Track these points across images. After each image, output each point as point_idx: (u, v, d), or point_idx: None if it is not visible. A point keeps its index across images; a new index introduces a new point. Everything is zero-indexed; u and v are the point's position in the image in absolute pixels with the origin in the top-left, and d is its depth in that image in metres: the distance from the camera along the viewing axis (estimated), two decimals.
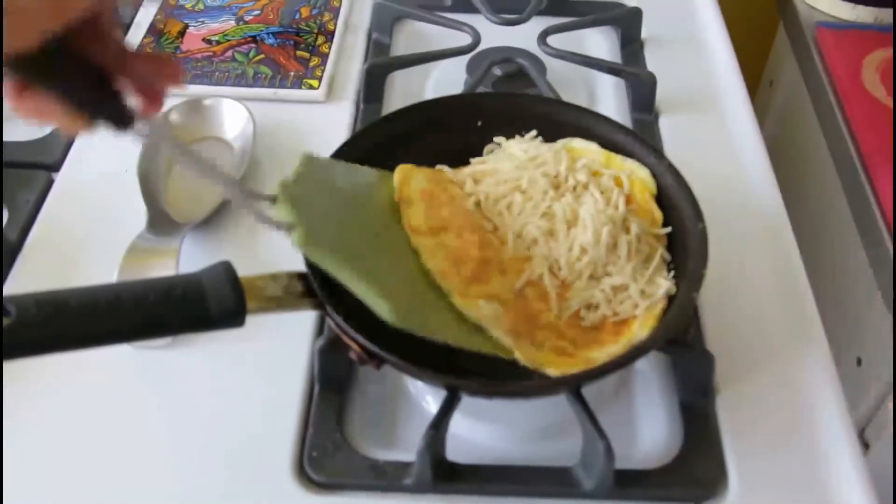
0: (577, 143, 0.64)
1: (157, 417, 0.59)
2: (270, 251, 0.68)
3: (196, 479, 0.55)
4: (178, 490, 0.55)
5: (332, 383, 0.59)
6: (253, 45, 0.87)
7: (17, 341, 0.42)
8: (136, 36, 0.88)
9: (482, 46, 0.84)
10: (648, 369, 0.62)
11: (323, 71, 0.84)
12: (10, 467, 0.55)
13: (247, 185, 0.65)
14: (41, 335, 0.43)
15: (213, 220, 0.70)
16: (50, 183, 0.74)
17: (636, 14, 0.90)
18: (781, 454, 0.57)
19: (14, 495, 0.54)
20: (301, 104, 0.82)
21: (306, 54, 0.86)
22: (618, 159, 0.63)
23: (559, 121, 0.66)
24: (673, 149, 0.78)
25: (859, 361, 0.88)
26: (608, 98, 0.85)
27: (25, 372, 0.58)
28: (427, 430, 0.52)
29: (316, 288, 0.51)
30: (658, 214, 0.61)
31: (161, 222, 0.68)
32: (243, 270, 0.49)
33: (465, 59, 0.84)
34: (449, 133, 0.65)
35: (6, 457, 0.56)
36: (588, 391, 0.54)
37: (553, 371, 0.52)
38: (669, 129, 0.80)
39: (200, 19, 0.90)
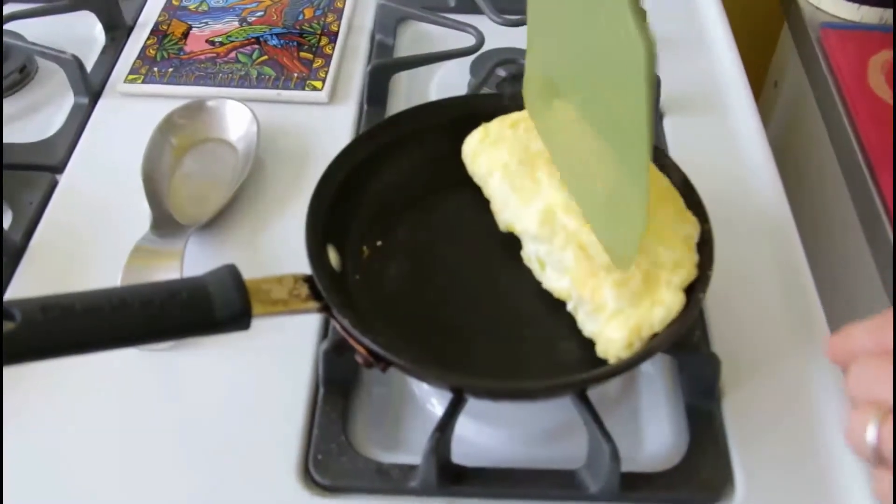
0: None
1: (161, 419, 0.59)
2: (275, 254, 0.68)
3: (200, 482, 0.55)
4: (181, 492, 0.55)
5: (336, 386, 0.59)
6: (256, 46, 0.87)
7: (22, 346, 0.42)
8: (139, 37, 0.88)
9: (486, 47, 0.84)
10: (654, 371, 0.62)
11: (326, 72, 0.84)
12: (14, 469, 0.55)
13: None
14: (47, 339, 0.43)
15: (217, 222, 0.70)
16: (54, 185, 0.74)
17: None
18: (788, 456, 0.57)
19: (17, 497, 0.54)
20: (304, 105, 0.82)
21: (310, 55, 0.86)
22: None
23: None
24: (677, 149, 0.78)
25: None
26: None
27: (29, 374, 0.57)
28: (432, 433, 0.52)
29: (321, 290, 0.51)
30: None
31: (165, 224, 0.67)
32: (248, 273, 0.49)
33: (469, 60, 0.84)
34: (453, 135, 0.65)
35: (11, 459, 0.56)
36: (593, 393, 0.54)
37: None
38: (674, 130, 0.80)
39: (204, 20, 0.90)
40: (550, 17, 0.58)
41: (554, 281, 0.58)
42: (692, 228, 0.57)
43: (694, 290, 0.54)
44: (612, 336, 0.53)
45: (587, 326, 0.55)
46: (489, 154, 0.63)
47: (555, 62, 0.59)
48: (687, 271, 0.55)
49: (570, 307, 0.57)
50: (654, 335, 0.53)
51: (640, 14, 0.45)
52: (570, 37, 0.55)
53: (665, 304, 0.53)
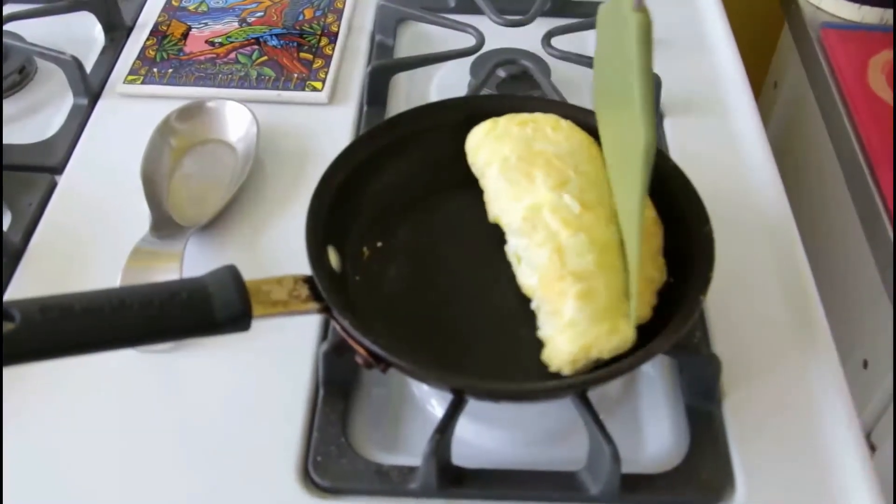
0: None
1: (160, 421, 0.58)
2: (275, 255, 0.68)
3: (200, 484, 0.55)
4: (181, 494, 0.55)
5: (336, 387, 0.59)
6: (256, 46, 0.87)
7: (21, 346, 0.42)
8: (139, 38, 0.88)
9: (486, 48, 0.83)
10: (654, 373, 0.62)
11: (326, 73, 0.84)
12: (14, 469, 0.55)
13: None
14: (46, 340, 0.43)
15: (216, 223, 0.70)
16: (53, 186, 0.74)
17: None
18: (788, 457, 0.57)
19: (17, 497, 0.54)
20: (304, 106, 0.81)
21: (310, 56, 0.86)
22: None
23: None
24: (678, 150, 0.77)
25: (865, 364, 0.87)
26: None
27: (29, 375, 0.57)
28: (433, 435, 0.52)
29: (322, 291, 0.51)
30: None
31: (164, 225, 0.67)
32: (248, 274, 0.49)
33: (469, 60, 0.84)
34: (453, 136, 0.65)
35: (11, 459, 0.56)
36: (593, 394, 0.54)
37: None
38: (674, 130, 0.80)
39: (203, 21, 0.90)
40: (602, 88, 0.61)
41: (526, 277, 0.58)
42: (658, 273, 0.57)
43: (694, 292, 0.54)
44: (559, 347, 0.53)
45: (543, 328, 0.55)
46: (492, 146, 0.63)
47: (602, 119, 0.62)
48: (641, 311, 0.55)
49: (533, 305, 0.57)
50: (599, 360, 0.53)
51: (650, 105, 0.49)
52: (612, 112, 0.58)
53: (621, 336, 0.52)
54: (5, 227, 0.69)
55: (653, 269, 0.57)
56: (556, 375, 0.54)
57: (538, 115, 0.64)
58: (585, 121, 0.65)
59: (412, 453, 0.56)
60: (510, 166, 0.61)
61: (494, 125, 0.64)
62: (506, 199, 0.60)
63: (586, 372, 0.53)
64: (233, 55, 0.86)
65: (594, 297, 0.53)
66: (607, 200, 0.59)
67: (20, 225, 0.69)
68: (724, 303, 0.65)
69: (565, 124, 0.64)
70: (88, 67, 0.84)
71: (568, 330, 0.53)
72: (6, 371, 0.58)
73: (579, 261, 0.54)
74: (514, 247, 0.59)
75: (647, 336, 0.55)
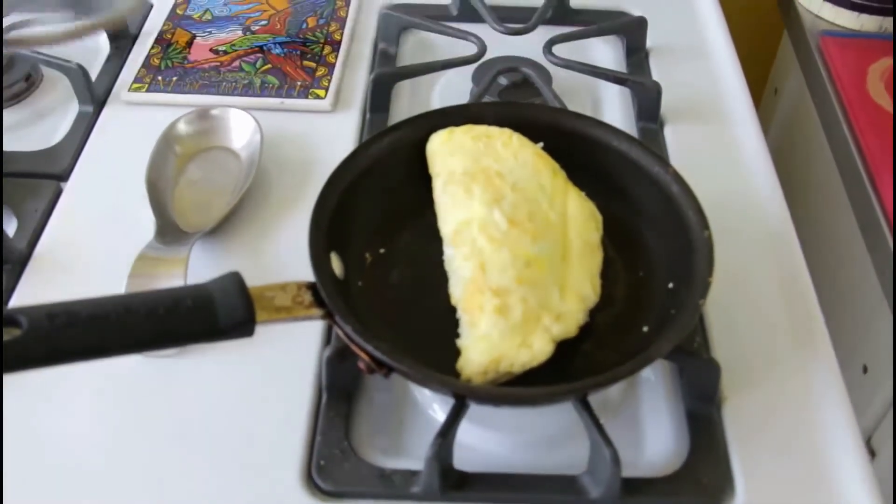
0: None
1: (164, 425, 0.59)
2: (278, 261, 0.68)
3: (204, 488, 0.56)
4: (185, 498, 0.55)
5: (339, 392, 0.60)
6: (260, 55, 0.87)
7: (28, 352, 0.43)
8: (144, 46, 0.89)
9: (488, 56, 0.84)
10: (654, 377, 0.62)
11: (329, 81, 0.84)
12: (14, 472, 0.56)
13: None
14: (53, 346, 0.43)
15: (221, 229, 0.70)
16: (59, 192, 0.74)
17: (641, 23, 0.91)
18: (788, 462, 0.57)
19: (17, 499, 0.54)
20: (308, 114, 0.82)
21: (313, 64, 0.86)
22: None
23: (565, 130, 0.66)
24: (678, 157, 0.78)
25: (865, 369, 0.88)
26: (613, 107, 0.86)
27: (32, 379, 0.58)
28: (435, 439, 0.53)
29: (325, 298, 0.52)
30: None
31: (169, 232, 0.68)
32: (252, 280, 0.50)
33: (471, 68, 0.85)
34: None
35: (11, 462, 0.56)
36: (594, 399, 0.55)
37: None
38: (675, 138, 0.81)
39: (208, 30, 0.91)
40: None
41: (453, 286, 0.59)
42: (592, 293, 0.58)
43: (694, 296, 0.55)
44: (471, 357, 0.54)
45: (461, 338, 0.56)
46: (444, 159, 0.64)
47: None
48: (566, 327, 0.55)
49: (458, 314, 0.58)
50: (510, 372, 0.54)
51: None
52: None
53: (532, 351, 0.53)
54: (11, 234, 0.70)
55: (588, 288, 0.58)
56: (560, 381, 0.55)
57: (493, 130, 0.65)
58: (583, 129, 0.66)
59: (415, 457, 0.56)
60: (454, 180, 0.62)
61: (450, 136, 0.65)
62: (444, 211, 0.62)
63: (504, 384, 0.54)
64: (237, 63, 0.86)
65: (510, 313, 0.54)
66: (541, 216, 0.60)
67: (26, 231, 0.70)
68: (724, 308, 0.65)
69: (516, 141, 0.64)
70: (94, 75, 0.85)
71: (481, 342, 0.54)
72: (9, 375, 0.59)
73: (501, 277, 0.55)
74: (449, 256, 0.60)
75: (648, 341, 0.56)
